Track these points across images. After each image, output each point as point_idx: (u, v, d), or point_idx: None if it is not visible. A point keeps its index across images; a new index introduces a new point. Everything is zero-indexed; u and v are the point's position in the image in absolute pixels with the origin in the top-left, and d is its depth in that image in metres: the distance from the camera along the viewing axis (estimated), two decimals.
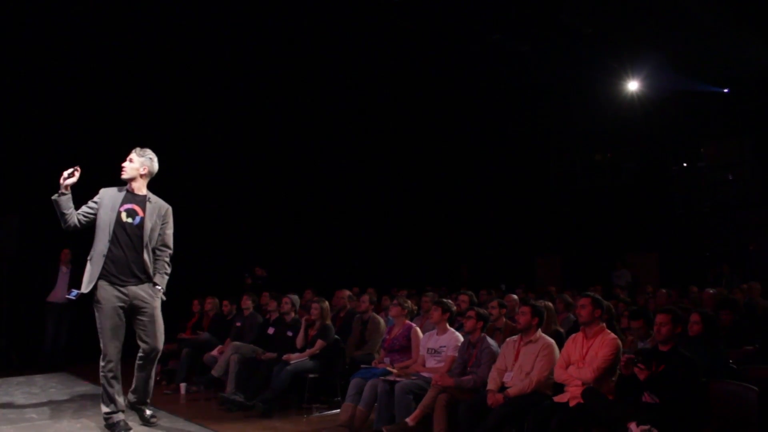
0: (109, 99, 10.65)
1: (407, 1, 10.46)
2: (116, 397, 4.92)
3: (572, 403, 4.52)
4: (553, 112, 15.54)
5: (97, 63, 10.26)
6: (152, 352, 5.06)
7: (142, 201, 4.91)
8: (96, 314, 4.77)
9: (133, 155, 4.97)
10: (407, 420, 5.18)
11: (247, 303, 8.18)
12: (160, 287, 5.02)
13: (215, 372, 7.24)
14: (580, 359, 4.77)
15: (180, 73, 11.16)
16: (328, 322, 7.01)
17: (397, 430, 5.18)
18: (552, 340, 5.15)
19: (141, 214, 4.86)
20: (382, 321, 7.40)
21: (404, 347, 6.30)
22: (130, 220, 4.82)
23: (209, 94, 11.77)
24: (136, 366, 5.13)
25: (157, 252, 5.06)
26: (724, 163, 14.73)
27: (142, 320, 4.92)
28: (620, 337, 5.04)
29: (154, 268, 4.98)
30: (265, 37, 11.28)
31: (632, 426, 4.05)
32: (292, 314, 7.47)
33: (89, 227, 4.82)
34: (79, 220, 4.79)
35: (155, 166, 5.10)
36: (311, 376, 6.67)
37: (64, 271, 9.38)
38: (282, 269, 11.85)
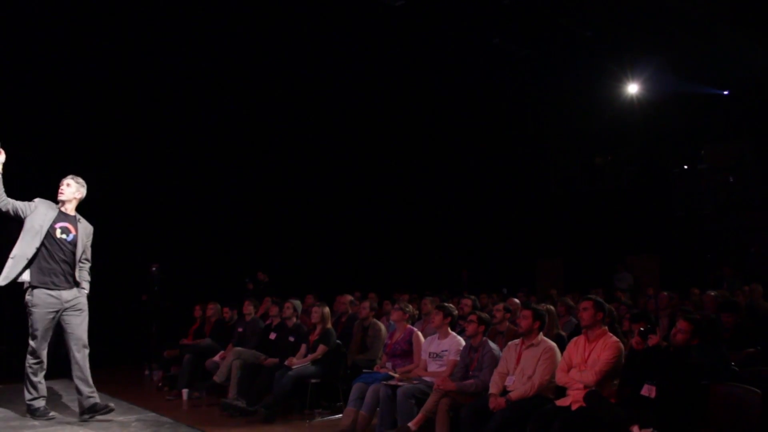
0: (109, 101, 10.67)
1: (408, 6, 10.47)
2: (39, 385, 5.62)
3: (574, 407, 4.52)
4: (553, 115, 15.55)
5: (93, 64, 10.26)
6: (85, 348, 5.66)
7: (73, 220, 5.54)
8: (29, 318, 5.39)
9: (70, 181, 5.58)
10: (409, 425, 5.18)
11: (249, 308, 8.18)
12: (86, 290, 5.68)
13: (217, 378, 7.24)
14: (582, 362, 4.77)
15: (181, 77, 11.17)
16: (329, 326, 7.01)
17: None
18: (554, 344, 5.15)
19: (74, 232, 5.50)
20: (383, 327, 7.38)
21: (406, 352, 6.30)
22: (64, 236, 5.43)
23: (210, 100, 11.79)
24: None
25: (81, 264, 5.63)
26: (724, 165, 14.71)
27: (73, 320, 5.54)
28: (622, 340, 5.04)
29: (80, 277, 5.60)
30: (266, 42, 11.29)
31: (635, 429, 4.06)
32: (294, 319, 7.46)
33: (9, 219, 5.41)
34: (10, 209, 5.33)
35: (85, 193, 5.73)
36: (313, 381, 6.66)
37: None
38: (283, 274, 11.85)
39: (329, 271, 12.84)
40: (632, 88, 14.05)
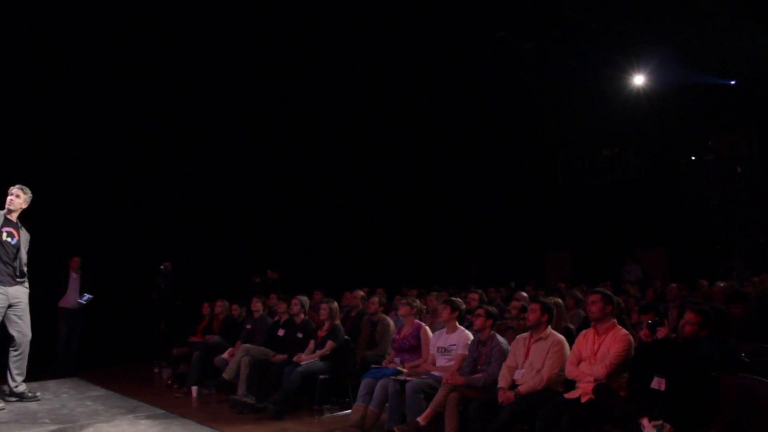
0: (117, 101, 10.70)
1: (411, 1, 10.45)
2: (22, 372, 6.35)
3: (583, 400, 4.51)
4: (559, 107, 15.48)
5: (96, 60, 10.28)
6: (25, 339, 6.31)
7: (16, 226, 6.27)
8: None
9: (19, 192, 6.26)
10: (418, 419, 5.18)
11: (257, 305, 8.19)
12: (27, 289, 6.36)
13: (226, 375, 7.25)
14: (591, 355, 4.75)
15: (189, 77, 11.19)
16: (338, 322, 7.01)
17: (409, 430, 5.18)
18: (562, 337, 5.13)
19: (17, 236, 6.22)
20: (391, 322, 7.37)
21: (414, 346, 6.30)
22: (9, 239, 6.15)
23: (217, 100, 11.81)
24: (13, 356, 6.28)
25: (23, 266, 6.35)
26: (732, 155, 14.63)
27: (16, 313, 6.20)
28: (631, 332, 5.02)
29: (22, 274, 6.28)
30: (270, 40, 11.29)
31: (644, 422, 4.04)
32: (302, 315, 7.47)
33: None
34: None
35: (29, 203, 6.42)
36: (322, 377, 6.67)
37: (74, 278, 9.48)
38: (291, 270, 11.86)
39: (337, 266, 12.84)
40: (638, 80, 13.99)
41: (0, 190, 6.65)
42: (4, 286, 6.09)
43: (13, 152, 9.57)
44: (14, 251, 6.18)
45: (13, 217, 6.26)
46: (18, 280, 6.23)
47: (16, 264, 6.20)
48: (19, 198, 6.25)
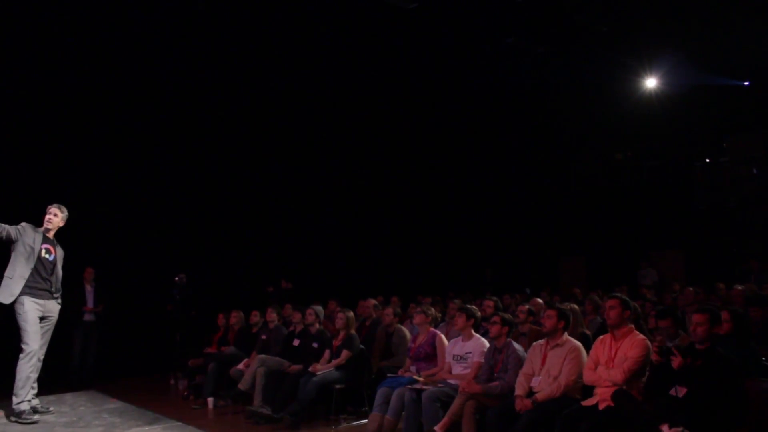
0: (132, 113, 10.77)
1: (421, 8, 10.43)
2: (35, 384, 6.25)
3: (602, 406, 4.47)
4: (572, 112, 15.41)
5: (109, 72, 10.35)
6: (40, 353, 6.31)
7: (53, 243, 6.43)
8: (21, 322, 6.06)
9: (57, 211, 6.41)
10: (435, 428, 5.16)
11: (272, 316, 8.19)
12: (59, 305, 6.48)
13: (242, 385, 7.26)
14: (609, 360, 4.72)
15: (205, 88, 11.24)
16: (353, 331, 7.00)
17: None
18: (579, 344, 5.10)
19: (54, 253, 6.40)
20: (407, 332, 7.35)
21: (430, 355, 6.28)
22: (47, 256, 6.31)
23: (232, 109, 11.86)
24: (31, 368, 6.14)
25: (58, 283, 6.51)
26: (747, 156, 14.48)
27: (44, 326, 6.30)
28: (648, 337, 4.97)
29: (57, 289, 6.43)
30: (287, 52, 11.32)
31: (664, 428, 3.99)
32: (317, 325, 7.47)
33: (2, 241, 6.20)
34: (3, 234, 6.06)
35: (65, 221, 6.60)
36: (338, 386, 6.66)
37: (88, 290, 9.55)
38: (306, 280, 11.87)
39: (352, 276, 12.82)
40: (650, 82, 13.90)
41: (10, 201, 6.72)
42: (43, 299, 6.24)
43: (26, 163, 9.66)
44: (51, 267, 6.35)
45: (50, 234, 6.42)
46: (54, 295, 6.38)
47: (53, 279, 6.36)
48: (57, 217, 6.43)
